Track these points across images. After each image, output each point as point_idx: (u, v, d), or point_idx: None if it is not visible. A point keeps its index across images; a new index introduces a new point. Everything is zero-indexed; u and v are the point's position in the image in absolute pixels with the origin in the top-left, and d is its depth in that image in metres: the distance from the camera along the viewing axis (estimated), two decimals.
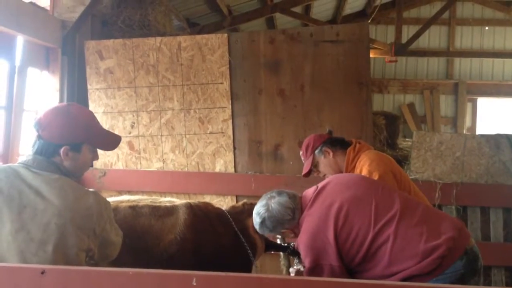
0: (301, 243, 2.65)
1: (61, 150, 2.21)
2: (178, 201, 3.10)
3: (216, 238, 2.93)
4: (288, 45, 4.95)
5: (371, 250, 2.51)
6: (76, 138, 2.25)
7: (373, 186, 2.72)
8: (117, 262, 2.45)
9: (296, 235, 2.79)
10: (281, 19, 10.40)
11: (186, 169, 5.06)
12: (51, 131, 2.20)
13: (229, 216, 3.00)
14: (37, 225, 2.05)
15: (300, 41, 4.94)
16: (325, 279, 2.01)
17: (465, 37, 13.04)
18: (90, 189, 2.27)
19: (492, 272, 4.72)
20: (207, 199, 4.97)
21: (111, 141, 2.44)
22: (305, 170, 3.50)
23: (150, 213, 2.88)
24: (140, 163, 5.11)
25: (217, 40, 4.98)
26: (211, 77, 4.99)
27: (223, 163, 5.01)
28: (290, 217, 2.73)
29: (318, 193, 2.74)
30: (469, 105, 13.07)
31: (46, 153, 2.21)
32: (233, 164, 5.00)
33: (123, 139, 5.08)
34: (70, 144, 2.22)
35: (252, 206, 3.10)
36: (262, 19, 9.88)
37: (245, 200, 3.21)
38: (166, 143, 5.07)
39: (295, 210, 2.74)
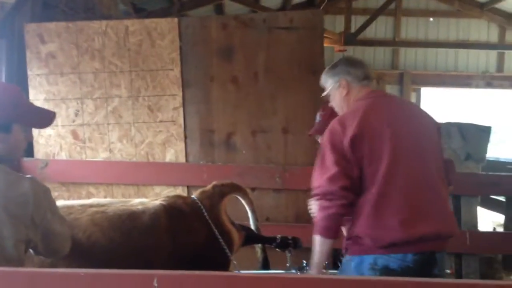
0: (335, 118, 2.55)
1: None
2: (149, 201, 2.93)
3: (194, 237, 2.78)
4: (241, 31, 4.80)
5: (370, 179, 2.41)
6: (4, 117, 2.05)
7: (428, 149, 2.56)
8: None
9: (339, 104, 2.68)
10: (230, 6, 10.22)
11: (134, 159, 4.85)
12: None
13: (201, 205, 2.84)
14: None
15: (253, 27, 4.80)
16: (300, 276, 1.89)
17: (411, 28, 13.24)
18: (27, 176, 2.07)
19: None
20: (157, 190, 4.80)
21: (44, 118, 2.25)
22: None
23: (121, 218, 2.70)
24: (85, 153, 4.86)
25: (167, 25, 4.78)
26: (161, 63, 4.78)
27: (173, 153, 4.83)
28: (359, 75, 2.63)
29: (382, 98, 2.64)
30: (413, 95, 13.31)
31: None
32: (184, 154, 4.83)
33: (66, 128, 4.86)
34: None
35: (221, 188, 2.97)
36: (211, 6, 9.68)
37: (214, 182, 3.06)
38: (113, 132, 4.83)
39: (366, 77, 2.64)
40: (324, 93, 2.77)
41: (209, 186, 3.08)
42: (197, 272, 1.32)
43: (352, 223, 2.46)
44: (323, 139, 2.51)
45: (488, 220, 8.14)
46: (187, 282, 1.31)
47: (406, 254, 2.39)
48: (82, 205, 2.83)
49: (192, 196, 3.04)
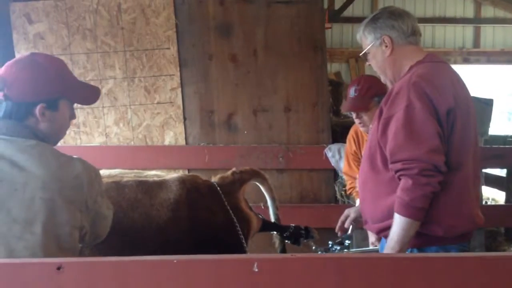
0: (413, 81, 2.13)
1: (36, 110, 1.80)
2: (165, 174, 2.77)
3: (211, 216, 2.63)
4: (239, 6, 4.63)
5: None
6: (51, 92, 1.84)
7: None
8: (105, 248, 2.11)
9: (385, 62, 2.30)
10: None
11: (132, 143, 4.66)
12: (20, 88, 1.79)
13: (219, 190, 2.70)
14: (18, 202, 1.67)
15: (251, 2, 4.63)
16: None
17: (388, 4, 13.20)
18: (74, 156, 1.87)
19: None
20: None
21: (90, 93, 2.02)
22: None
23: (137, 190, 2.52)
24: (80, 138, 4.64)
25: (161, 1, 4.56)
26: (157, 42, 4.58)
27: (173, 135, 4.66)
28: (405, 30, 2.26)
29: (448, 65, 2.32)
30: None
31: (17, 116, 1.80)
32: (184, 136, 4.66)
33: None
34: (45, 101, 1.82)
35: (241, 175, 2.83)
36: None
37: (233, 169, 2.92)
38: (109, 115, 4.63)
39: (413, 33, 2.28)
40: (363, 52, 2.37)
41: (228, 173, 2.95)
42: (300, 255, 1.19)
43: None
44: (408, 98, 2.08)
45: None
46: (290, 266, 1.18)
47: (466, 243, 2.24)
48: None
49: (212, 180, 2.90)
